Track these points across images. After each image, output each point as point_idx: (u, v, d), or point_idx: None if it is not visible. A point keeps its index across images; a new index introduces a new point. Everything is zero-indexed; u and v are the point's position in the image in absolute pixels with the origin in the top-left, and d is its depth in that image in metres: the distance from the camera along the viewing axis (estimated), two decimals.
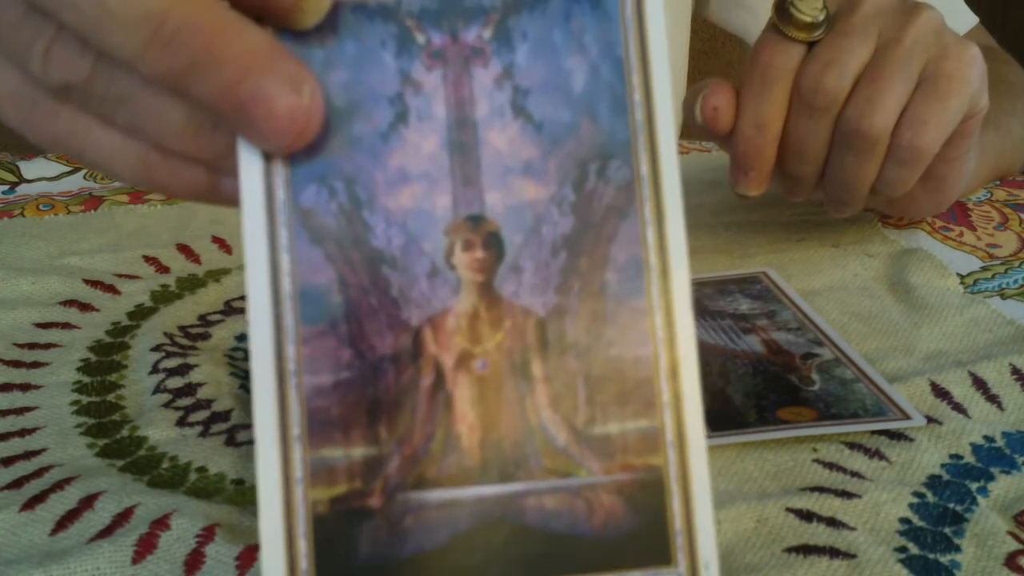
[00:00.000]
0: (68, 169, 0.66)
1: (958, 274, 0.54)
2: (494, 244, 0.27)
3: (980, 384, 0.44)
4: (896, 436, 0.41)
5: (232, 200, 0.28)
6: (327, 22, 0.27)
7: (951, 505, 0.37)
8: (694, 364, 0.27)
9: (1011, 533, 0.36)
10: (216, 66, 0.25)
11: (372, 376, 0.26)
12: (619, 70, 0.27)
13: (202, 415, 0.42)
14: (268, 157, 0.26)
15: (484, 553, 0.26)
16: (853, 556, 0.34)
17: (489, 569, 0.26)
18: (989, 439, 0.41)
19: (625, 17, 0.27)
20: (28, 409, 0.42)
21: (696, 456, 0.26)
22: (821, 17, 0.47)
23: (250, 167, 0.26)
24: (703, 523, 0.26)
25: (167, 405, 0.42)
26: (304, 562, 0.25)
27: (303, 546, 0.25)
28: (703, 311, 0.49)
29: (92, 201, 0.61)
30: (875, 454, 0.40)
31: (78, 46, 0.27)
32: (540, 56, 0.27)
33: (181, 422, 0.41)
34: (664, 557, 0.26)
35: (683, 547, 0.26)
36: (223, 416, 0.42)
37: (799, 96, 0.47)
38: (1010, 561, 0.34)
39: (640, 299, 0.27)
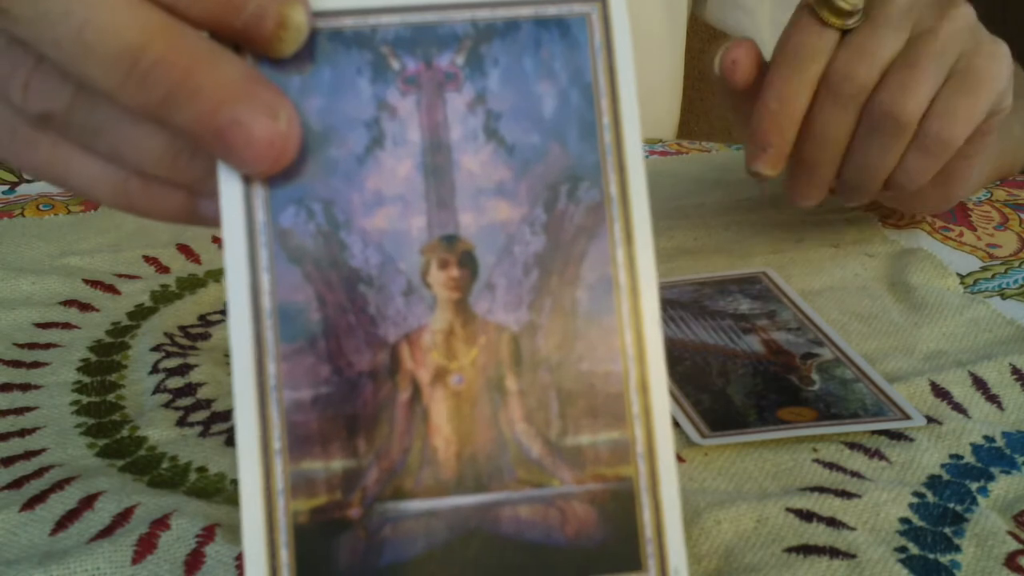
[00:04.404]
0: None
1: (958, 274, 0.54)
2: (468, 263, 0.28)
3: (980, 384, 0.44)
4: (896, 436, 0.41)
5: (211, 222, 0.28)
6: (304, 50, 0.27)
7: (951, 505, 0.37)
8: (663, 379, 0.28)
9: (1011, 533, 0.36)
10: (194, 96, 0.26)
11: (350, 391, 0.27)
12: (588, 95, 0.28)
13: (202, 415, 0.42)
14: (248, 180, 0.27)
15: (460, 562, 0.27)
16: (853, 556, 0.34)
17: None
18: (989, 439, 0.41)
19: (594, 44, 0.28)
20: (28, 409, 0.42)
21: (665, 467, 0.27)
22: (859, 5, 0.48)
23: (230, 190, 0.27)
24: (672, 531, 0.27)
25: (167, 405, 0.42)
26: (286, 572, 0.26)
27: (285, 556, 0.26)
28: (703, 311, 0.49)
29: (92, 201, 0.61)
30: (875, 454, 0.40)
31: (58, 78, 0.28)
32: (511, 82, 0.28)
33: (181, 422, 0.41)
34: (635, 564, 0.27)
35: (653, 554, 0.27)
36: (223, 416, 0.42)
37: (828, 83, 0.47)
38: (1010, 561, 0.34)
39: (610, 316, 0.28)
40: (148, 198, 0.29)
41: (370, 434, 0.27)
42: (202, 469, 0.39)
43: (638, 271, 0.28)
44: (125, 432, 0.41)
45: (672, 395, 0.43)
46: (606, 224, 0.28)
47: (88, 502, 0.36)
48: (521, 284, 0.28)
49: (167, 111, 0.26)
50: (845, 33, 0.48)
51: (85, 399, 0.43)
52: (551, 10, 0.28)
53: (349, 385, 0.27)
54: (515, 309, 0.28)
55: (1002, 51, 0.49)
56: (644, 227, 0.28)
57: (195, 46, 0.26)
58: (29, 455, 0.39)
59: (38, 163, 0.30)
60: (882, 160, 0.48)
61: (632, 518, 0.27)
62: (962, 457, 0.40)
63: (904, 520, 0.36)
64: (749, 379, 0.44)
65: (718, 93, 0.50)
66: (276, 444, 0.26)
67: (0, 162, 0.31)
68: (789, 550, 0.35)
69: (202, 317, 0.50)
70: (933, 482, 0.38)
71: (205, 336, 0.48)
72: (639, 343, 0.28)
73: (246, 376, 0.27)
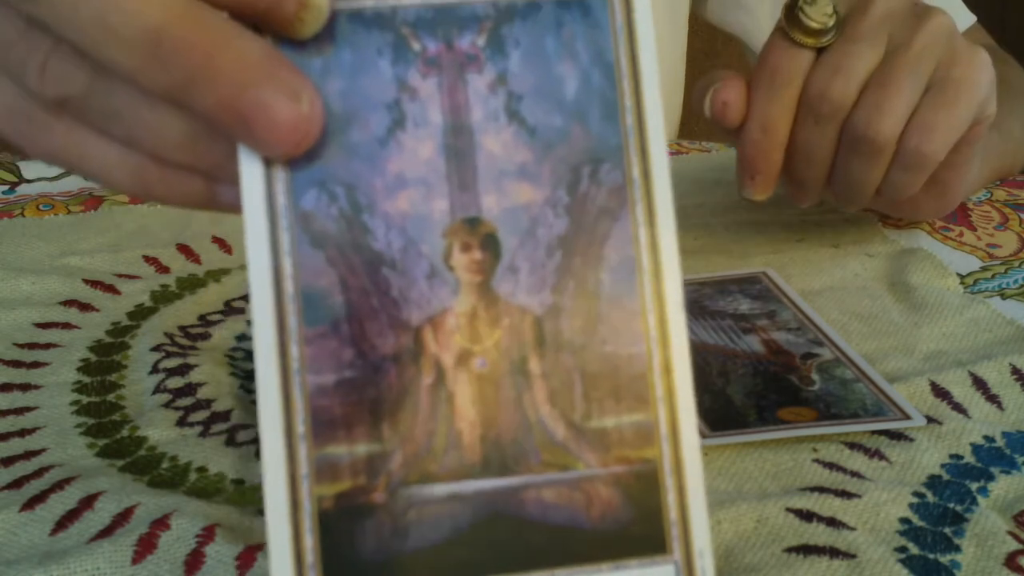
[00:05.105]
0: None
1: (958, 274, 0.54)
2: (491, 245, 0.28)
3: (980, 384, 0.44)
4: (896, 436, 0.41)
5: (230, 207, 0.28)
6: (324, 31, 0.27)
7: (951, 505, 0.37)
8: (686, 361, 0.28)
9: (1011, 533, 0.36)
10: (215, 78, 0.25)
11: (374, 375, 0.27)
12: (610, 76, 0.28)
13: (202, 415, 0.42)
14: (269, 163, 0.27)
15: (486, 546, 0.26)
16: (853, 556, 0.34)
17: (491, 562, 0.27)
18: (989, 439, 0.41)
19: (615, 25, 0.28)
20: (28, 409, 0.42)
21: (689, 449, 0.27)
22: (831, 23, 0.47)
23: (251, 173, 0.27)
24: (697, 513, 0.27)
25: (167, 405, 0.42)
26: (311, 557, 0.26)
27: (310, 542, 0.26)
28: (703, 311, 0.49)
29: (92, 201, 0.61)
30: (875, 454, 0.40)
31: (75, 60, 0.27)
32: (532, 63, 0.28)
33: (181, 422, 0.41)
34: (660, 546, 0.27)
35: (678, 537, 0.27)
36: (223, 416, 0.42)
37: (806, 102, 0.47)
38: (1010, 561, 0.34)
39: (633, 298, 0.28)
40: (166, 184, 0.29)
41: (394, 418, 0.27)
42: (202, 469, 0.39)
43: (661, 253, 0.28)
44: (125, 432, 0.41)
45: None
46: (628, 206, 0.28)
47: (88, 502, 0.36)
48: (544, 266, 0.28)
49: (188, 93, 0.26)
50: (821, 51, 0.48)
51: (85, 399, 0.43)
52: None
53: (373, 369, 0.27)
54: (538, 291, 0.28)
55: (981, 59, 0.48)
56: (667, 209, 0.28)
57: (216, 27, 0.26)
58: (29, 455, 0.39)
59: (54, 148, 0.29)
60: (866, 177, 0.48)
61: (656, 500, 0.27)
62: (962, 457, 0.40)
63: (904, 520, 0.36)
64: (749, 379, 0.44)
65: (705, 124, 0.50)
66: (300, 428, 0.26)
67: (12, 149, 0.31)
68: (789, 550, 0.35)
69: (202, 317, 0.50)
70: (933, 482, 0.38)
71: (205, 336, 0.48)
72: (662, 325, 0.28)
73: (269, 360, 0.26)
